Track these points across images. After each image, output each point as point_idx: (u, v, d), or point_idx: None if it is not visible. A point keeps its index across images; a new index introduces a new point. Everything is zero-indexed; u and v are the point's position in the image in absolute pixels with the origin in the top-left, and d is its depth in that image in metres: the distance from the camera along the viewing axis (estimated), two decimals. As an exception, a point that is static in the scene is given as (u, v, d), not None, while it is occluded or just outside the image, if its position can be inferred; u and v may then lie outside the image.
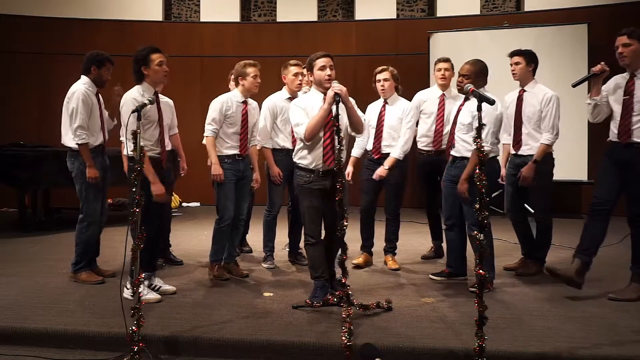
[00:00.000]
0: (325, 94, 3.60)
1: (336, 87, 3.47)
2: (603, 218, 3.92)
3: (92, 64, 4.31)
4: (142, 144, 3.57)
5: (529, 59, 4.50)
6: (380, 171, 4.62)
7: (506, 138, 4.69)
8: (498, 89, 4.41)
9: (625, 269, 4.00)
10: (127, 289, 3.84)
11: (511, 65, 4.56)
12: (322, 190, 3.70)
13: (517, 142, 4.51)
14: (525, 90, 4.51)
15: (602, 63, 3.92)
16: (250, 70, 4.37)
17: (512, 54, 4.58)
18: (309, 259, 3.87)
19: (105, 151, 4.46)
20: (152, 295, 3.78)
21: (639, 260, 3.90)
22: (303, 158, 3.73)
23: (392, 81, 4.74)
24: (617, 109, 3.94)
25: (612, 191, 3.92)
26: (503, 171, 4.66)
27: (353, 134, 3.77)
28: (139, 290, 3.73)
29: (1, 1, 8.97)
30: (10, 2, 9.01)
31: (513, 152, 4.57)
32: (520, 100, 4.52)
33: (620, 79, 3.97)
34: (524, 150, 4.47)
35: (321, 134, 3.64)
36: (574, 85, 4.13)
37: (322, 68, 3.65)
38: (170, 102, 4.82)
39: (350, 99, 3.61)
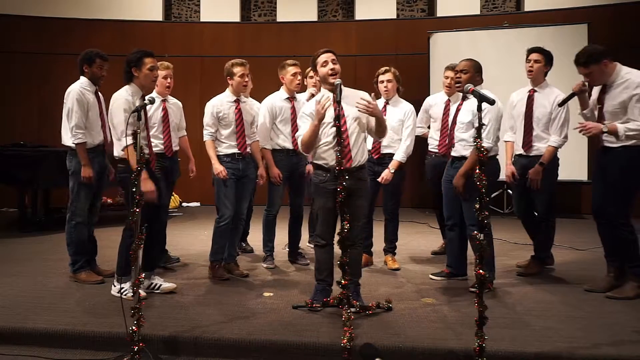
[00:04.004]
0: (333, 91, 3.50)
1: (322, 103, 3.47)
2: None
3: (84, 64, 4.34)
4: (129, 142, 3.51)
5: (548, 60, 4.48)
6: (386, 174, 4.62)
7: (510, 136, 4.69)
8: (497, 88, 4.40)
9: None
10: (115, 286, 3.91)
11: (529, 61, 4.50)
12: (337, 192, 3.52)
13: (527, 143, 4.48)
14: (536, 91, 4.49)
15: (581, 81, 4.02)
16: (237, 70, 4.34)
17: (532, 50, 4.51)
18: (315, 261, 3.81)
19: (107, 151, 4.43)
20: (131, 293, 3.72)
21: (619, 256, 3.99)
22: (319, 156, 3.65)
23: (394, 82, 4.74)
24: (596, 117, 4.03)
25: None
26: (509, 168, 4.61)
27: (375, 137, 3.76)
28: (124, 288, 3.74)
29: (1, 1, 8.98)
30: (10, 2, 9.01)
31: (521, 152, 4.54)
32: (531, 100, 4.48)
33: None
34: (531, 152, 4.47)
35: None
36: (560, 105, 4.26)
37: (325, 64, 3.60)
38: (179, 103, 4.80)
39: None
